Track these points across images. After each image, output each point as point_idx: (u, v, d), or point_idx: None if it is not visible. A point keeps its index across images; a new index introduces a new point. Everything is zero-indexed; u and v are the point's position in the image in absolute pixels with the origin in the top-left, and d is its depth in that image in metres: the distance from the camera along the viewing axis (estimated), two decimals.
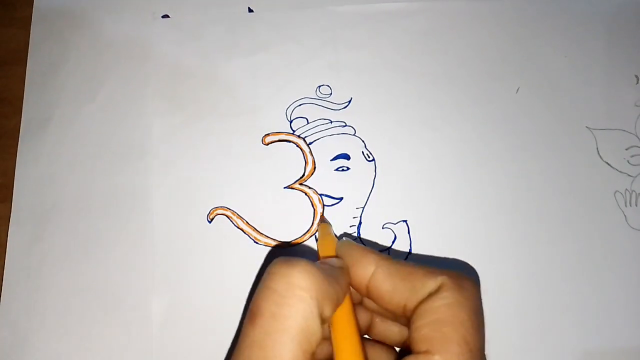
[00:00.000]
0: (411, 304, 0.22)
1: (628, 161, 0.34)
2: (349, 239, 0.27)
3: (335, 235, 0.32)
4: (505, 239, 0.33)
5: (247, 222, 0.33)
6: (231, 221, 0.33)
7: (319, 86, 0.36)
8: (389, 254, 0.32)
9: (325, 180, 0.34)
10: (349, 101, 0.36)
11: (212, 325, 0.31)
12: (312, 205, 0.33)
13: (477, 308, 0.22)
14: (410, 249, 0.33)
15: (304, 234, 0.33)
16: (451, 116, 0.35)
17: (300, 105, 0.35)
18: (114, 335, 0.31)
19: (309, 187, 0.34)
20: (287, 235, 0.33)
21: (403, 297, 0.23)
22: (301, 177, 0.34)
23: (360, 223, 0.33)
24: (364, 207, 0.33)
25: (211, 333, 0.31)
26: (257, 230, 0.33)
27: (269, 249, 0.33)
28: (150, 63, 0.36)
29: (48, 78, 0.36)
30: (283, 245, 0.33)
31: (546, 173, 0.34)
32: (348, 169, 0.34)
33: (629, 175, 0.34)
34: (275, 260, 0.22)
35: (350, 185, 0.34)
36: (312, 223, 0.33)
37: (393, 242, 0.33)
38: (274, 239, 0.33)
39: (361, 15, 0.37)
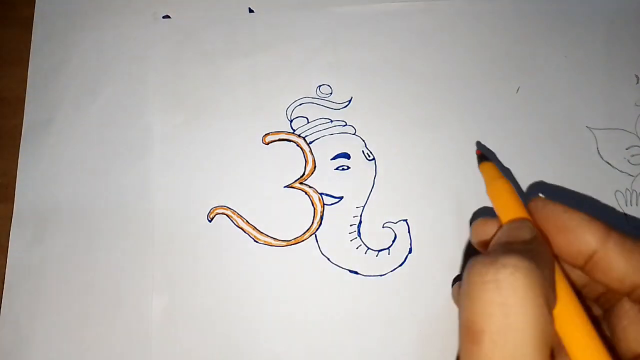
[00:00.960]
0: None
1: (628, 161, 0.34)
2: (544, 197, 0.23)
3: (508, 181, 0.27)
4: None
5: (247, 221, 0.33)
6: (231, 220, 0.33)
7: (319, 86, 0.36)
8: (388, 254, 0.32)
9: (325, 179, 0.34)
10: (349, 101, 0.36)
11: (212, 325, 0.31)
12: (312, 205, 0.33)
13: None
14: (411, 249, 0.33)
15: (304, 233, 0.33)
16: (451, 116, 0.35)
17: (300, 104, 0.35)
18: (114, 334, 0.31)
19: (309, 187, 0.34)
20: (287, 234, 0.33)
21: (637, 276, 0.20)
22: (301, 177, 0.34)
23: (360, 222, 0.33)
24: (364, 207, 0.33)
25: (211, 332, 0.31)
26: (257, 230, 0.33)
27: (269, 248, 0.33)
28: (151, 63, 0.36)
29: (50, 79, 0.36)
30: (283, 245, 0.33)
31: (546, 173, 0.34)
32: (348, 168, 0.34)
33: (630, 174, 0.34)
34: (474, 265, 0.19)
35: (350, 185, 0.34)
36: (312, 222, 0.33)
37: (393, 241, 0.33)
38: (274, 238, 0.33)
39: (361, 15, 0.37)
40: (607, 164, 0.34)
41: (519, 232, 0.21)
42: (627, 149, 0.35)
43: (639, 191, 0.34)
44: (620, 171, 0.34)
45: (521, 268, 0.18)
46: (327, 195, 0.34)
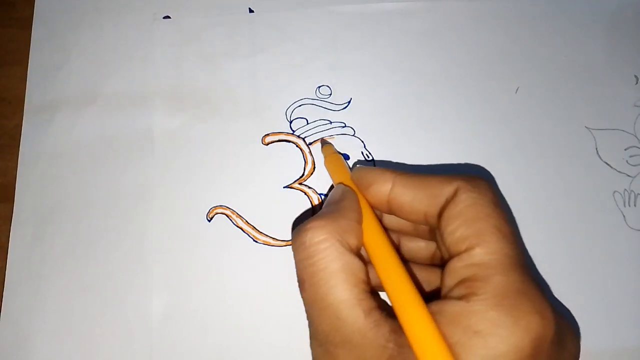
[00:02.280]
0: (432, 210, 0.24)
1: (627, 161, 0.35)
2: (360, 165, 0.28)
3: (341, 155, 0.33)
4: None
5: (246, 221, 0.33)
6: (231, 220, 0.33)
7: (319, 87, 0.36)
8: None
9: (324, 180, 0.34)
10: (349, 102, 0.36)
11: (211, 324, 0.31)
12: (312, 205, 0.34)
13: (497, 201, 0.23)
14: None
15: None
16: (451, 116, 0.35)
17: (300, 105, 0.35)
18: (114, 334, 0.31)
19: (309, 187, 0.34)
20: (287, 234, 0.33)
21: (423, 205, 0.24)
22: (301, 177, 0.34)
23: None
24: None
25: (210, 332, 0.31)
26: (257, 230, 0.33)
27: (268, 248, 0.33)
28: (151, 63, 0.36)
29: (49, 78, 0.36)
30: (282, 245, 0.33)
31: (545, 173, 0.34)
32: None
33: (628, 175, 0.34)
34: (292, 235, 0.24)
35: None
36: None
37: None
38: (274, 238, 0.33)
39: (361, 15, 0.38)
40: (606, 165, 0.34)
41: (335, 193, 0.27)
42: (625, 150, 0.35)
43: (637, 192, 0.34)
44: (619, 172, 0.34)
45: (317, 227, 0.23)
46: (326, 195, 0.34)
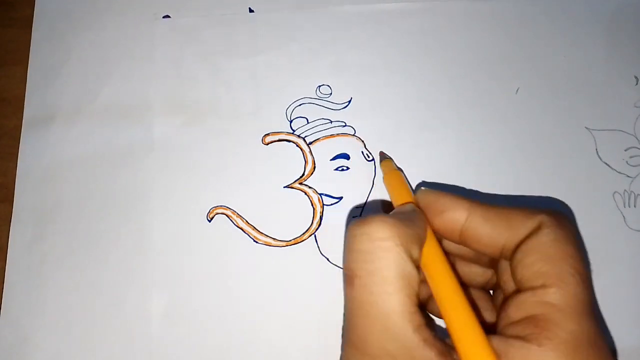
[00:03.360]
0: (511, 243, 0.23)
1: (627, 162, 0.34)
2: (427, 188, 0.27)
3: (402, 172, 0.33)
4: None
5: (246, 221, 0.33)
6: (231, 220, 0.33)
7: (319, 86, 0.36)
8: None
9: (325, 179, 0.34)
10: (349, 101, 0.36)
11: (211, 324, 0.31)
12: (312, 205, 0.34)
13: (578, 242, 0.22)
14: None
15: (303, 233, 0.33)
16: (451, 116, 0.35)
17: (300, 105, 0.35)
18: (114, 334, 0.31)
19: (309, 187, 0.34)
20: (287, 234, 0.33)
21: (502, 238, 0.23)
22: (301, 177, 0.34)
23: None
24: (363, 207, 0.33)
25: (210, 332, 0.31)
26: (257, 230, 0.33)
27: (269, 248, 0.33)
28: (151, 63, 0.36)
29: (49, 78, 0.36)
30: (282, 245, 0.33)
31: (545, 173, 0.34)
32: (348, 168, 0.34)
33: (628, 176, 0.34)
34: (351, 224, 0.23)
35: (349, 185, 0.34)
36: (312, 222, 0.33)
37: None
38: (274, 238, 0.33)
39: (361, 15, 0.37)
40: (606, 165, 0.34)
41: (403, 208, 0.26)
42: (625, 150, 0.35)
43: (637, 192, 0.34)
44: (619, 172, 0.34)
45: (387, 223, 0.22)
46: (326, 195, 0.34)
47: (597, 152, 0.35)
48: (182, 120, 0.35)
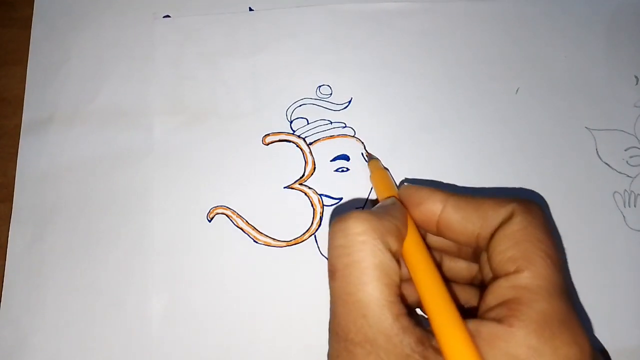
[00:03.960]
0: (485, 232, 0.24)
1: (627, 162, 0.35)
2: (408, 183, 0.28)
3: (388, 171, 0.34)
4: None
5: (246, 221, 0.33)
6: (231, 220, 0.33)
7: (319, 86, 0.36)
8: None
9: (325, 180, 0.34)
10: (349, 101, 0.36)
11: (211, 324, 0.31)
12: (312, 205, 0.34)
13: (548, 227, 0.23)
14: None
15: (303, 234, 0.33)
16: (451, 116, 0.35)
17: (300, 105, 0.35)
18: (114, 334, 0.31)
19: (309, 187, 0.34)
20: (287, 234, 0.33)
21: (476, 227, 0.24)
22: (301, 177, 0.34)
23: None
24: (363, 208, 0.33)
25: (210, 332, 0.31)
26: (257, 230, 0.33)
27: (269, 248, 0.33)
28: (151, 63, 0.36)
29: (49, 78, 0.36)
30: (282, 245, 0.33)
31: (545, 173, 0.34)
32: (348, 169, 0.34)
33: (628, 176, 0.34)
34: (332, 222, 0.24)
35: (349, 186, 0.34)
36: (312, 223, 0.33)
37: None
38: (274, 239, 0.33)
39: (362, 14, 0.37)
40: (606, 165, 0.34)
41: (384, 202, 0.27)
42: (625, 150, 0.35)
43: (637, 192, 0.34)
44: (619, 172, 0.34)
45: (360, 218, 0.23)
46: (326, 196, 0.34)
47: (597, 152, 0.35)
48: (182, 120, 0.35)
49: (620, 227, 0.33)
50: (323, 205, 0.34)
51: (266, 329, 0.31)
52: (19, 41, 0.37)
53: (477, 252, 0.26)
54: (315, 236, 0.33)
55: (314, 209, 0.33)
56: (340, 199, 0.34)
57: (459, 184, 0.34)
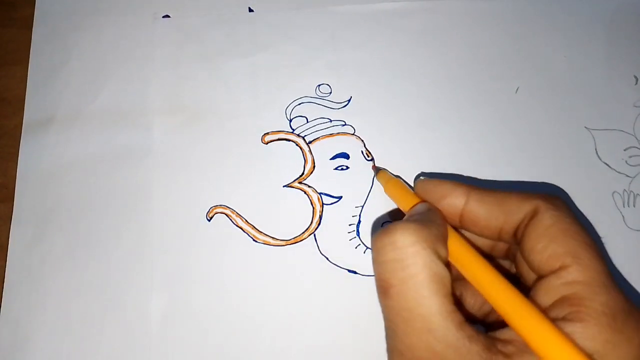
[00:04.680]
0: (508, 226, 0.24)
1: (626, 162, 0.34)
2: (425, 177, 0.27)
3: (402, 180, 0.33)
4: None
5: (246, 220, 0.33)
6: (230, 220, 0.33)
7: (319, 85, 0.36)
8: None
9: (324, 179, 0.34)
10: (349, 100, 0.36)
11: (211, 324, 0.31)
12: (312, 204, 0.34)
13: (578, 220, 0.23)
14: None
15: (303, 233, 0.33)
16: (450, 116, 0.35)
17: (300, 104, 0.35)
18: (114, 334, 0.31)
19: (309, 186, 0.34)
20: (287, 233, 0.33)
21: (499, 221, 0.24)
22: (300, 176, 0.34)
23: (359, 222, 0.33)
24: (363, 206, 0.33)
25: (210, 331, 0.31)
26: (256, 229, 0.33)
27: (268, 247, 0.33)
28: (150, 63, 0.37)
29: (49, 78, 0.36)
30: (282, 244, 0.33)
31: (545, 173, 0.34)
32: (347, 168, 0.34)
33: (627, 175, 0.34)
34: (375, 237, 0.23)
35: (349, 184, 0.34)
36: (311, 221, 0.33)
37: None
38: (273, 238, 0.33)
39: (361, 15, 0.38)
40: (605, 165, 0.34)
41: (417, 208, 0.26)
42: (625, 150, 0.35)
43: (637, 192, 0.34)
44: (618, 172, 0.34)
45: (409, 228, 0.22)
46: (326, 194, 0.34)
47: (596, 151, 0.35)
48: (181, 120, 0.35)
49: (619, 227, 0.33)
50: (323, 204, 0.34)
51: (266, 328, 0.31)
52: (20, 41, 0.37)
53: (509, 249, 0.26)
54: (314, 235, 0.33)
55: (313, 208, 0.33)
56: (340, 197, 0.34)
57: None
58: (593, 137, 0.35)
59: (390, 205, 0.33)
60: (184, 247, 0.33)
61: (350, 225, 0.33)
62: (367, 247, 0.33)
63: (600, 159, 0.35)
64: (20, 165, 0.35)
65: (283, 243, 0.33)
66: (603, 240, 0.33)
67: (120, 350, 0.31)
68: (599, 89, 0.36)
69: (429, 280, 0.21)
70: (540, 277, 0.22)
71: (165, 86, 0.36)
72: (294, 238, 0.33)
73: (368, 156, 0.34)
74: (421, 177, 0.28)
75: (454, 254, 0.24)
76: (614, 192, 0.34)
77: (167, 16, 0.38)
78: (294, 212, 0.33)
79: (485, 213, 0.24)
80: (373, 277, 0.32)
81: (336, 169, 0.34)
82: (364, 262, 0.32)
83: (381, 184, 0.32)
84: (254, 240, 0.33)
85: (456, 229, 0.25)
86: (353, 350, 0.31)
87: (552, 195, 0.24)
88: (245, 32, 0.37)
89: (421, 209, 0.26)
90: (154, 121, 0.35)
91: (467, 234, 0.26)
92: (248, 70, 0.36)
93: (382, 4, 0.38)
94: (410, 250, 0.22)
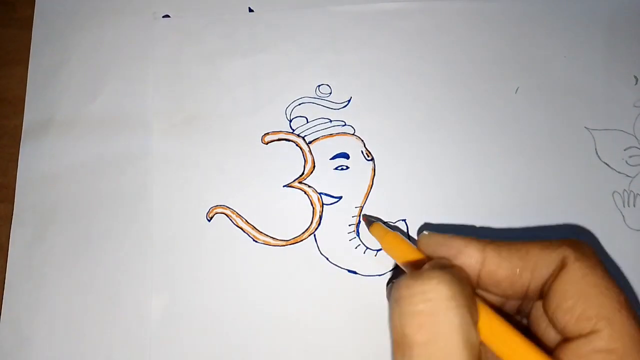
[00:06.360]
0: (536, 284, 0.21)
1: (626, 162, 0.34)
2: (429, 231, 0.24)
3: (397, 231, 0.29)
4: (503, 239, 0.33)
5: (246, 220, 0.33)
6: (230, 220, 0.33)
7: (319, 85, 0.36)
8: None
9: (324, 179, 0.34)
10: (349, 100, 0.36)
11: (210, 324, 0.31)
12: (312, 204, 0.34)
13: (607, 270, 0.20)
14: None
15: (303, 233, 0.33)
16: (450, 116, 0.35)
17: (299, 104, 0.35)
18: (114, 334, 0.31)
19: (309, 186, 0.34)
20: (287, 233, 0.33)
21: (525, 279, 0.21)
22: (300, 176, 0.34)
23: (359, 222, 0.33)
24: (363, 206, 0.33)
25: (210, 331, 0.31)
26: (257, 229, 0.33)
27: (268, 247, 0.33)
28: (150, 63, 0.37)
29: (49, 78, 0.36)
30: (282, 244, 0.33)
31: (545, 173, 0.34)
32: (347, 168, 0.34)
33: (628, 175, 0.34)
34: (399, 283, 0.20)
35: (349, 184, 0.34)
36: (311, 222, 0.33)
37: None
38: (273, 238, 0.33)
39: (361, 15, 0.38)
40: (605, 165, 0.34)
41: (439, 262, 0.22)
42: (625, 150, 0.35)
43: (637, 192, 0.34)
44: (618, 172, 0.34)
45: (445, 280, 0.19)
46: (326, 195, 0.34)
47: (596, 151, 0.35)
48: (181, 120, 0.35)
49: (619, 227, 0.33)
50: (323, 204, 0.34)
51: (266, 329, 0.31)
52: (20, 41, 0.37)
53: (524, 305, 0.24)
54: (314, 235, 0.33)
55: (313, 208, 0.33)
56: (340, 197, 0.34)
57: (458, 183, 0.34)
58: (593, 137, 0.35)
59: (391, 208, 0.33)
60: (184, 247, 0.33)
61: (350, 225, 0.33)
62: (367, 248, 0.33)
63: (600, 159, 0.35)
64: (21, 165, 0.35)
65: (283, 243, 0.33)
66: (602, 240, 0.33)
67: (120, 350, 0.31)
68: (598, 89, 0.36)
69: (461, 347, 0.18)
70: (567, 339, 0.20)
71: (165, 86, 0.36)
72: (293, 238, 0.33)
73: (368, 156, 0.34)
74: (424, 232, 0.24)
75: (484, 327, 0.20)
76: (614, 192, 0.34)
77: (167, 16, 0.38)
78: (294, 212, 0.33)
79: (508, 272, 0.21)
80: (373, 277, 0.32)
81: (336, 169, 0.34)
82: (364, 262, 0.32)
83: (376, 239, 0.29)
84: (254, 240, 0.33)
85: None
86: (353, 350, 0.31)
87: (579, 242, 0.21)
88: (245, 32, 0.37)
89: (445, 263, 0.22)
90: (154, 120, 0.35)
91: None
92: (248, 70, 0.36)
93: (382, 4, 0.38)
94: (444, 305, 0.19)
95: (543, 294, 0.21)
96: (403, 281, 0.20)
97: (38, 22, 0.38)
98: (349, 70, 0.36)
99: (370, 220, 0.32)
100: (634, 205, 0.34)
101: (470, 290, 0.20)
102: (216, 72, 0.36)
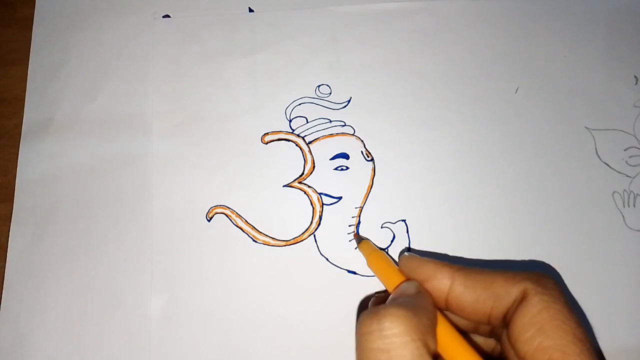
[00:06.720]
0: (497, 312, 0.23)
1: (626, 162, 0.34)
2: (410, 253, 0.27)
3: (385, 252, 0.32)
4: (503, 239, 0.33)
5: (246, 220, 0.33)
6: (230, 220, 0.33)
7: (319, 85, 0.36)
8: (387, 254, 0.32)
9: (324, 179, 0.34)
10: (349, 101, 0.36)
11: (210, 324, 0.31)
12: (311, 204, 0.34)
13: (569, 305, 0.22)
14: (409, 249, 0.33)
15: (303, 233, 0.33)
16: (450, 116, 0.35)
17: (299, 104, 0.35)
18: (114, 334, 0.31)
19: (308, 186, 0.34)
20: (286, 234, 0.33)
21: (487, 306, 0.23)
22: (300, 176, 0.34)
23: (359, 222, 0.33)
24: (362, 207, 0.33)
25: (210, 331, 0.31)
26: (256, 229, 0.33)
27: (268, 247, 0.33)
28: (150, 63, 0.37)
29: (49, 78, 0.36)
30: (282, 244, 0.33)
31: (545, 173, 0.34)
32: (347, 168, 0.34)
33: (628, 176, 0.34)
34: (361, 319, 0.22)
35: (349, 185, 0.34)
36: (311, 222, 0.33)
37: (392, 241, 0.33)
38: (273, 238, 0.33)
39: (361, 15, 0.38)
40: (605, 165, 0.34)
41: (407, 288, 0.25)
42: (625, 150, 0.35)
43: (637, 192, 0.34)
44: (618, 172, 0.34)
45: (399, 316, 0.21)
46: (326, 195, 0.34)
47: (596, 151, 0.35)
48: (181, 120, 0.35)
49: (619, 227, 0.33)
50: (322, 204, 0.34)
51: (266, 329, 0.31)
52: (20, 41, 0.37)
53: (494, 329, 0.25)
54: (314, 235, 0.33)
55: (313, 208, 0.33)
56: (340, 197, 0.34)
57: (458, 183, 0.34)
58: (593, 137, 0.35)
59: (391, 208, 0.33)
60: (184, 247, 0.33)
61: (350, 225, 0.33)
62: None
63: (600, 159, 0.35)
64: (21, 165, 0.35)
65: (283, 243, 0.33)
66: (602, 240, 0.33)
67: (119, 350, 0.31)
68: (598, 89, 0.36)
69: None
70: None
71: (165, 86, 0.36)
72: (293, 238, 0.33)
73: (368, 156, 0.34)
74: (405, 253, 0.26)
75: (443, 345, 0.22)
76: (614, 192, 0.34)
77: (167, 16, 0.38)
78: (294, 213, 0.33)
79: (472, 298, 0.23)
80: (372, 278, 0.32)
81: (336, 169, 0.34)
82: (364, 262, 0.32)
83: (364, 255, 0.31)
84: (254, 240, 0.33)
85: (441, 310, 0.25)
86: (353, 351, 0.31)
87: (541, 275, 0.23)
88: (245, 32, 0.37)
89: (410, 290, 0.24)
90: (154, 120, 0.35)
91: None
92: (248, 70, 0.36)
93: (382, 4, 0.38)
94: (399, 340, 0.20)
95: (506, 322, 0.23)
96: (362, 319, 0.22)
97: (38, 22, 0.38)
98: (349, 70, 0.36)
99: (360, 238, 0.33)
100: (634, 206, 0.34)
101: (428, 321, 0.22)
102: (216, 72, 0.36)
